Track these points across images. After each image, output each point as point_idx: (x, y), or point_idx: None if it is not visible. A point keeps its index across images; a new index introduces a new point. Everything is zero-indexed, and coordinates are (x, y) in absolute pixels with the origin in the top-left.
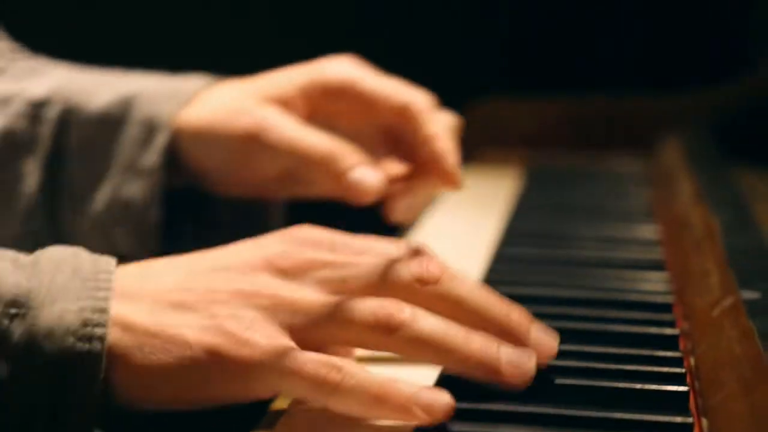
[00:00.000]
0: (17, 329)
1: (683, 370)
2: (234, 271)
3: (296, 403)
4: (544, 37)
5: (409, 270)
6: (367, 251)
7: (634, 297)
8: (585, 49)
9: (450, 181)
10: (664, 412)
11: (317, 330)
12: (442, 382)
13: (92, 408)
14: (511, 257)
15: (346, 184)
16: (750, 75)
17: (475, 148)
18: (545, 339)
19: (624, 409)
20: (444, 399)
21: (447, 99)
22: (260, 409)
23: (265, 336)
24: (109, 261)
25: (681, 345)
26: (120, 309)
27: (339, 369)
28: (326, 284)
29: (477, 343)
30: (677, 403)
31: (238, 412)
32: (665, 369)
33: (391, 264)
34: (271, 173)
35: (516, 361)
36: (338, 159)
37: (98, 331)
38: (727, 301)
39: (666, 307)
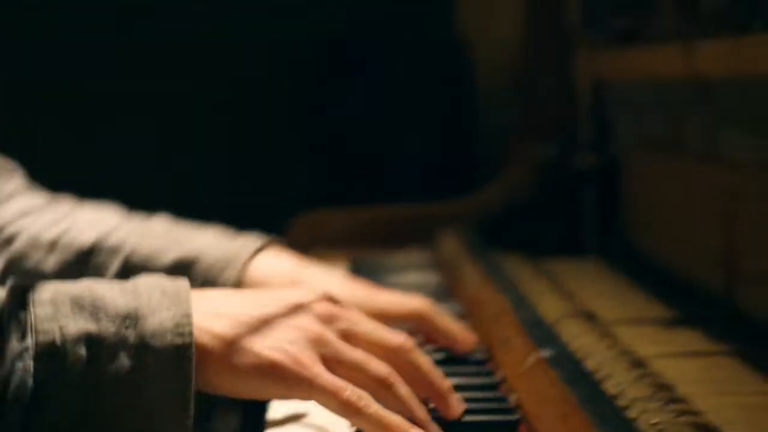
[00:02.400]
0: (132, 335)
1: (512, 405)
2: (287, 309)
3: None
4: (347, 167)
5: (396, 338)
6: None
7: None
8: (376, 172)
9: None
10: None
11: (340, 366)
12: None
13: (189, 383)
14: None
15: None
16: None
17: (307, 250)
18: (459, 402)
19: None
20: None
21: (281, 214)
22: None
23: (311, 360)
24: (184, 282)
25: (501, 390)
26: (208, 323)
27: (362, 398)
28: (344, 333)
29: (422, 413)
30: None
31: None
32: (497, 405)
33: (384, 331)
34: None
35: None
36: None
37: (187, 328)
38: (532, 358)
39: (482, 362)
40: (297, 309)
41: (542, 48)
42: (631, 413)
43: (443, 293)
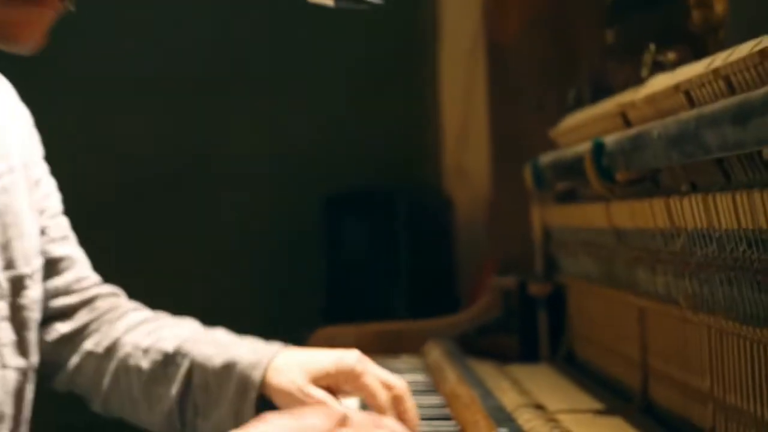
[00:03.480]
0: None
1: None
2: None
3: None
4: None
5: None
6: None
7: None
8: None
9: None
10: None
11: None
12: None
13: None
14: None
15: None
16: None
17: None
18: None
19: None
20: None
21: (301, 329)
22: None
23: None
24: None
25: None
26: None
27: None
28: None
29: None
30: None
31: None
32: None
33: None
34: None
35: None
36: None
37: None
38: None
39: None
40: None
41: (505, 205)
42: None
43: (429, 390)
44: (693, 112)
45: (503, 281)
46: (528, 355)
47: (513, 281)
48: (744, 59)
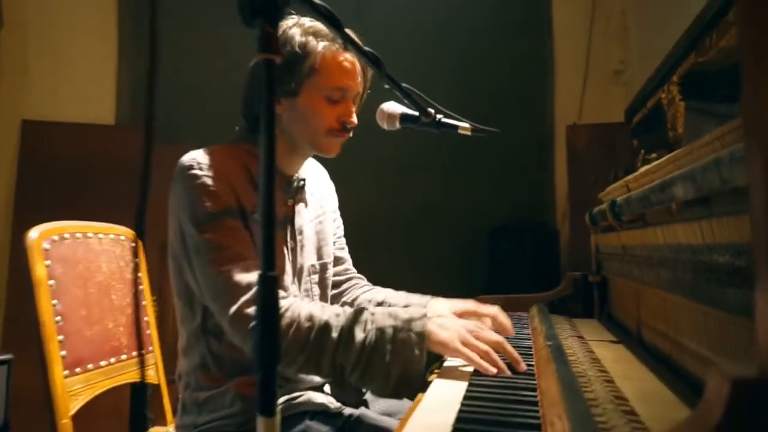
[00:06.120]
0: (407, 327)
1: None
2: (461, 327)
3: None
4: (503, 284)
5: (497, 337)
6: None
7: (522, 383)
8: (514, 281)
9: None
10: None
11: (475, 346)
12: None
13: (424, 343)
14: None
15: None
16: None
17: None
18: (523, 364)
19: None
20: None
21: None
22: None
23: (463, 345)
24: (426, 311)
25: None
26: (433, 327)
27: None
28: (477, 336)
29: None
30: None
31: None
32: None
33: (492, 334)
34: None
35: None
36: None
37: (426, 330)
38: (543, 345)
39: (530, 347)
40: (463, 327)
41: (579, 235)
42: (578, 368)
43: (526, 327)
44: (647, 186)
45: (574, 274)
46: (586, 314)
47: (579, 275)
48: (664, 161)
